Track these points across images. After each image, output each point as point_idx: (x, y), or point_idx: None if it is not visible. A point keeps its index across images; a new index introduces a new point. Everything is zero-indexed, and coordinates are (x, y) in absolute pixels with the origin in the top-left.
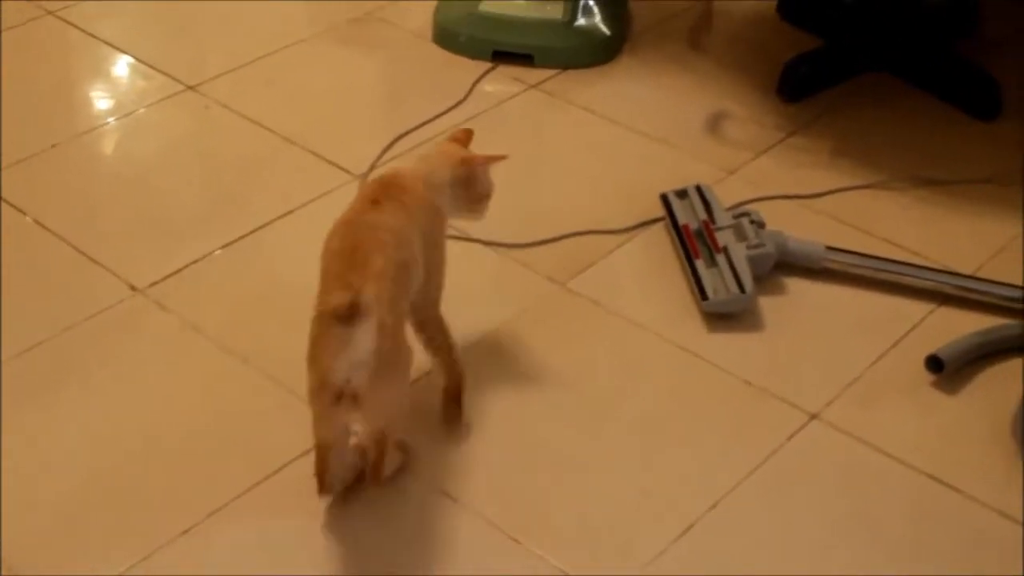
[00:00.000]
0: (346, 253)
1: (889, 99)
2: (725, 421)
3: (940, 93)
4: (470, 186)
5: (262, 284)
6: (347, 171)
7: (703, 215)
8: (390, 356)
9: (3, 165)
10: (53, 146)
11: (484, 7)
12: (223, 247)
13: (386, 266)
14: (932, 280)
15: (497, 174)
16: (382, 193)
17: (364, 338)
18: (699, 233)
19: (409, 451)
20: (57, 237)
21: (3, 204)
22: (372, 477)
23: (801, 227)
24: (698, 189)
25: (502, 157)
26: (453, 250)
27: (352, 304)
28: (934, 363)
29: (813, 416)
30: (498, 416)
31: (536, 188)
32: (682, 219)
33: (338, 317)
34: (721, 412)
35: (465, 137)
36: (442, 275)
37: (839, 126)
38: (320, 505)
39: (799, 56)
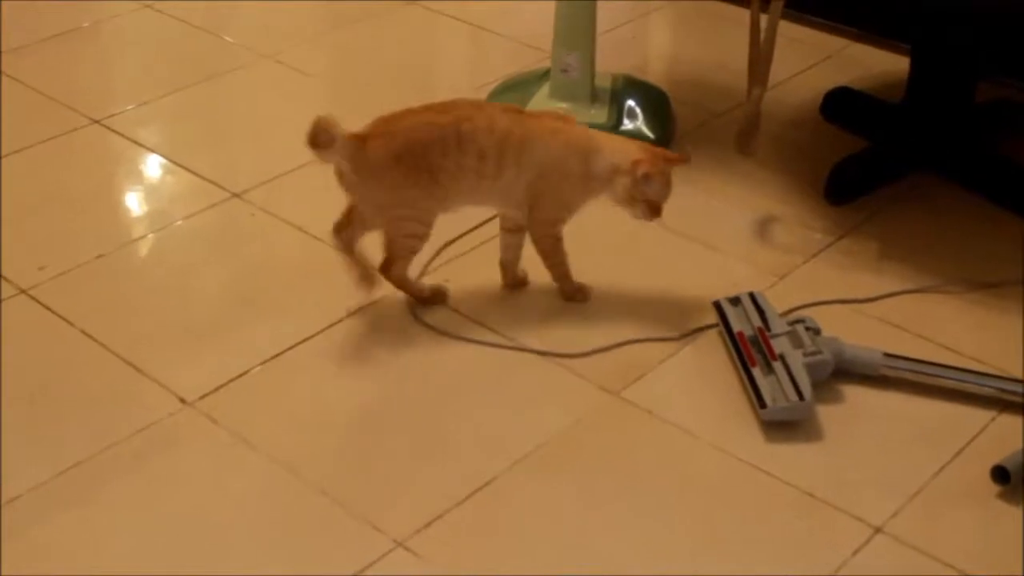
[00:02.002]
0: (434, 108)
1: (937, 200)
2: (788, 535)
3: (988, 194)
4: (636, 185)
5: (311, 396)
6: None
7: (758, 322)
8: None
9: (50, 275)
10: (99, 256)
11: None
12: (273, 357)
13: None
14: (992, 387)
15: (544, 280)
16: (534, 115)
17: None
18: (754, 340)
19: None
20: (105, 348)
21: (51, 315)
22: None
23: (855, 332)
24: (751, 296)
25: (683, 160)
26: (506, 361)
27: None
28: (1000, 474)
29: (878, 530)
30: (555, 531)
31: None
32: (736, 326)
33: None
34: (783, 525)
35: (677, 159)
36: (553, 207)
37: (888, 228)
38: None
39: (846, 159)
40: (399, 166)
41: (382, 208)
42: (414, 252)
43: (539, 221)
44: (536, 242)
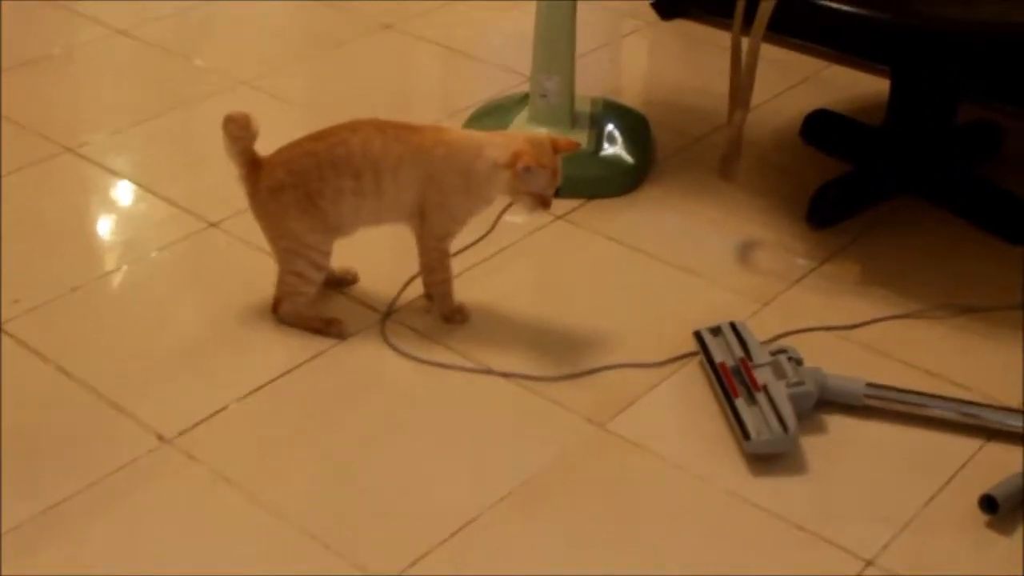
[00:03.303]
0: (312, 136)
1: (919, 223)
2: (780, 569)
3: (970, 217)
4: (518, 178)
5: (291, 432)
6: (373, 308)
7: (739, 352)
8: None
9: (24, 309)
10: (74, 289)
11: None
12: (251, 392)
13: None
14: (978, 416)
15: (524, 308)
16: (412, 128)
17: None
18: (736, 371)
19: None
20: (81, 383)
21: (26, 350)
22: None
23: (839, 359)
24: (732, 326)
25: (572, 146)
26: (488, 390)
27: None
28: (989, 504)
29: (869, 563)
30: (542, 569)
31: (564, 321)
32: (718, 357)
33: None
34: (775, 560)
35: (567, 145)
36: (441, 220)
37: (870, 252)
38: None
39: (828, 183)
40: (282, 196)
41: (271, 239)
42: (301, 295)
43: (428, 234)
44: (422, 254)
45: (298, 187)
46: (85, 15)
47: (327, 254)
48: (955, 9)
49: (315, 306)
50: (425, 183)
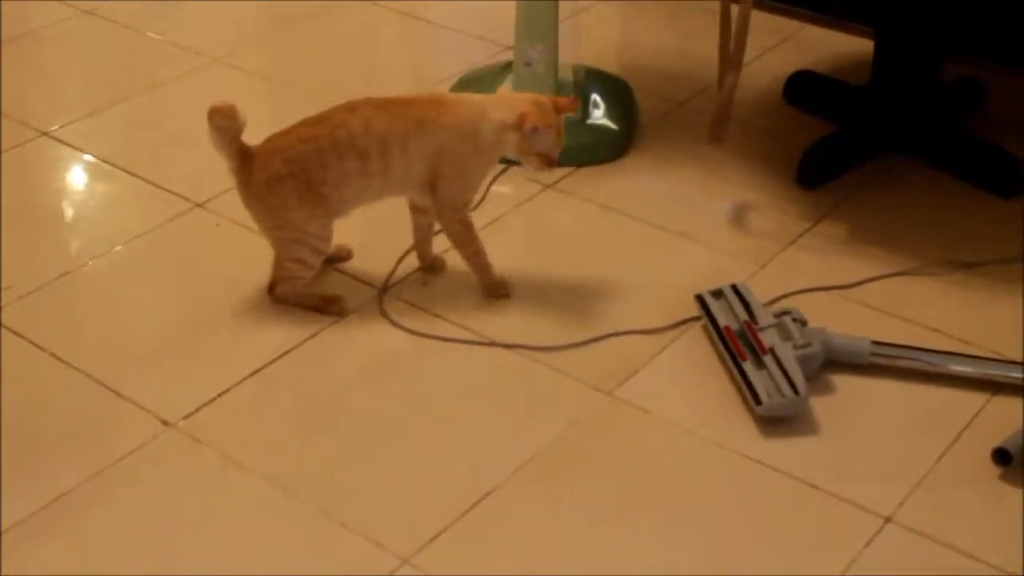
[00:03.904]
0: (309, 121)
1: (908, 181)
2: (797, 530)
3: (959, 173)
4: (525, 139)
5: (297, 411)
6: (368, 284)
7: (743, 315)
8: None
9: (15, 296)
10: (64, 274)
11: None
12: (253, 373)
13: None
14: (984, 370)
15: (521, 278)
16: (411, 101)
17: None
18: (742, 334)
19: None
20: (78, 371)
21: (20, 339)
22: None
23: (841, 319)
24: (734, 288)
25: (572, 106)
26: (493, 361)
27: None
28: (1001, 456)
29: (887, 519)
30: (561, 539)
31: (562, 289)
32: (722, 320)
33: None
34: (792, 520)
35: (567, 104)
36: (456, 188)
37: (862, 211)
38: None
39: (816, 143)
40: (281, 187)
41: (268, 229)
42: (300, 279)
43: (446, 207)
44: (446, 230)
45: (297, 176)
46: None
47: (328, 239)
48: None
49: (311, 284)
50: (434, 154)
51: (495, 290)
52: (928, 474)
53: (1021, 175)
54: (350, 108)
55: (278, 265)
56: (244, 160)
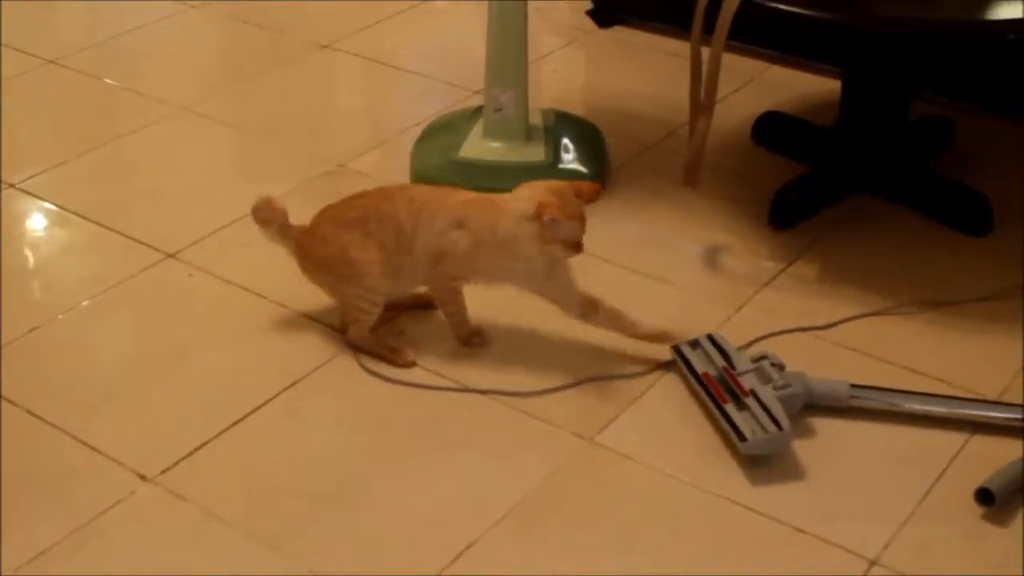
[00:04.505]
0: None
1: (878, 220)
2: (785, 573)
3: (929, 211)
4: (546, 229)
5: (278, 464)
6: (343, 331)
7: (721, 362)
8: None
9: None
10: (33, 329)
11: (463, 153)
12: (231, 425)
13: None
14: (962, 411)
15: (495, 322)
16: (442, 192)
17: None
18: (721, 379)
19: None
20: (52, 426)
21: None
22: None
23: (818, 360)
24: (710, 337)
25: (595, 192)
26: (471, 408)
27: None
28: (984, 496)
29: (873, 562)
30: None
31: (538, 334)
32: (700, 368)
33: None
34: (779, 564)
35: (591, 191)
36: (459, 267)
37: (835, 251)
38: None
39: (787, 184)
40: (338, 242)
41: (334, 288)
42: (369, 317)
43: (442, 274)
44: (433, 289)
45: (352, 231)
46: (9, 46)
47: (383, 289)
48: (910, 9)
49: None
50: (446, 236)
51: (471, 340)
52: (912, 515)
53: (990, 213)
54: (401, 188)
55: (346, 313)
56: (300, 239)
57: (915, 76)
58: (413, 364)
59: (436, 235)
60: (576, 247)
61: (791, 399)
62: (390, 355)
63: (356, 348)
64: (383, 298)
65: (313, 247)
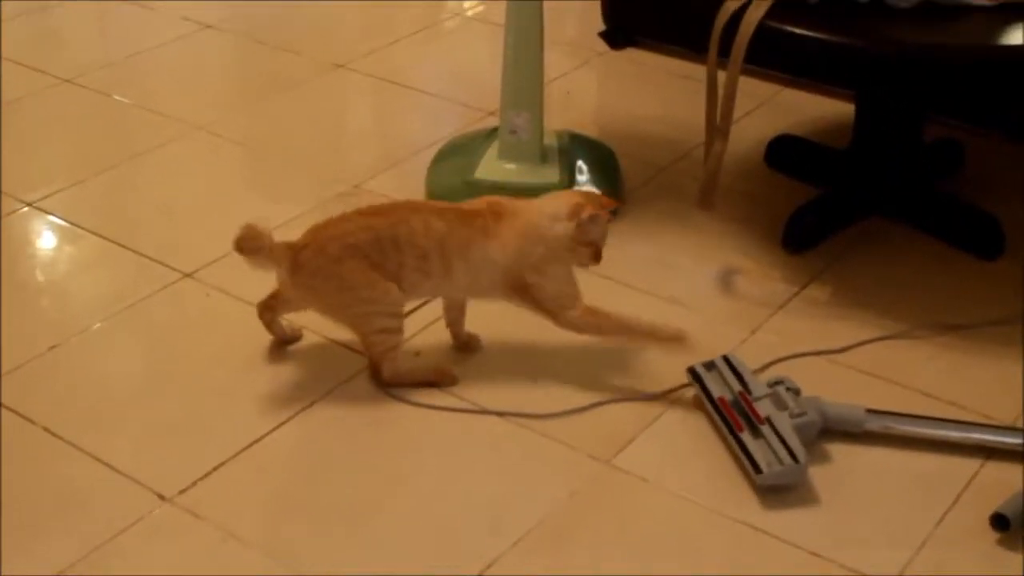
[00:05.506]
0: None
1: (893, 243)
2: None
3: (942, 235)
4: (581, 229)
5: (297, 484)
6: (361, 352)
7: (737, 386)
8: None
9: (5, 371)
10: (52, 348)
11: (479, 174)
12: (250, 445)
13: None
14: (977, 436)
15: (511, 345)
16: (474, 211)
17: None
18: (736, 404)
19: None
20: (71, 445)
21: (11, 414)
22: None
23: (832, 383)
24: (726, 359)
25: (615, 205)
26: (490, 430)
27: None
28: (999, 521)
29: None
30: None
31: (554, 356)
32: (716, 392)
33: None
34: None
35: (610, 204)
36: (552, 292)
37: (848, 274)
38: None
39: (801, 207)
40: (340, 267)
41: (338, 311)
42: (394, 348)
43: (557, 314)
44: (580, 332)
45: (357, 257)
46: (25, 65)
47: (400, 301)
48: (927, 35)
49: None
50: (506, 268)
51: (675, 336)
52: (927, 540)
53: (1002, 236)
54: (412, 207)
55: (368, 348)
56: (291, 256)
57: (930, 100)
58: (456, 381)
59: (484, 270)
60: (597, 256)
61: (807, 428)
62: (438, 378)
63: (399, 385)
64: (401, 319)
65: (309, 271)
